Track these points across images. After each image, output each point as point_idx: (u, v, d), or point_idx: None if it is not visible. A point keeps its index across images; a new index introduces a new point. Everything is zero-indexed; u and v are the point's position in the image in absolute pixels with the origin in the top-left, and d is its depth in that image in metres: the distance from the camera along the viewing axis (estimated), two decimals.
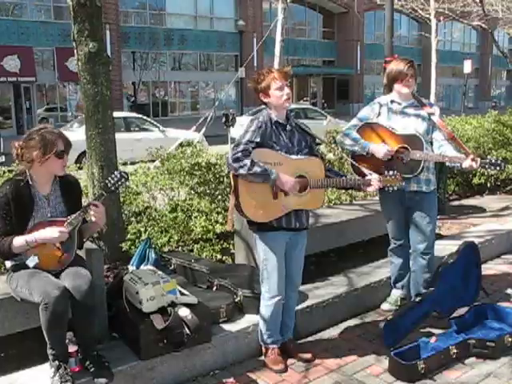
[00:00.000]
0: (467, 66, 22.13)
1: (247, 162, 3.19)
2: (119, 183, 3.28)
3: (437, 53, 12.94)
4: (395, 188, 3.64)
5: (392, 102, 4.13)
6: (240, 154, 3.22)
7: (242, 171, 3.21)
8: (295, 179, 3.35)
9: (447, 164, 4.05)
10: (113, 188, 3.27)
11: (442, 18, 13.39)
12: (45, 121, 25.80)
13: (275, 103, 3.39)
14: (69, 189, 3.30)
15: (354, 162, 3.98)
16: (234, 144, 3.33)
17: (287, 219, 3.42)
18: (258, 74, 3.43)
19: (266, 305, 3.54)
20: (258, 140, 3.29)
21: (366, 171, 3.74)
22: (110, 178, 3.29)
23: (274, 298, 3.50)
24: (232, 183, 3.39)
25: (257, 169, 3.20)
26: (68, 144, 3.16)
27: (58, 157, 3.10)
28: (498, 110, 9.98)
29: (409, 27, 42.43)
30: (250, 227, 3.53)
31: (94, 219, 3.21)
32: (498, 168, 3.84)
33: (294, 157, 3.40)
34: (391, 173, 3.60)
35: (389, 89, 4.15)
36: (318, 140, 3.71)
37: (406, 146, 3.96)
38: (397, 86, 4.04)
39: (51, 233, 3.04)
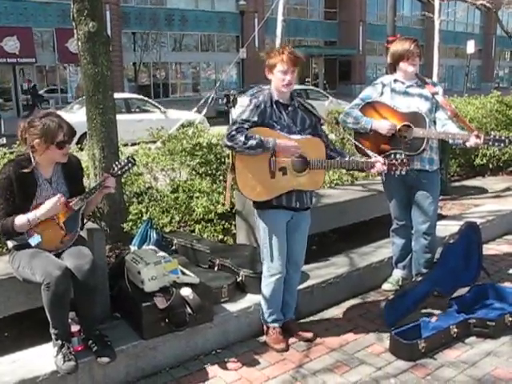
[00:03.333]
0: (470, 47, 21.93)
1: (241, 137, 3.19)
2: (126, 168, 3.30)
3: (440, 33, 12.78)
4: (403, 172, 3.56)
5: (395, 81, 4.09)
6: (234, 131, 3.22)
7: (238, 148, 3.22)
8: (295, 141, 3.33)
9: (450, 142, 4.02)
10: (119, 172, 3.30)
11: None
12: (45, 103, 25.75)
13: (275, 84, 3.38)
14: (71, 170, 3.30)
15: (357, 144, 3.93)
16: (230, 123, 3.33)
17: (288, 198, 3.41)
18: (272, 49, 3.41)
19: (267, 283, 3.56)
20: (255, 119, 3.29)
21: (370, 153, 3.71)
22: (117, 163, 3.32)
23: (274, 276, 3.51)
24: (230, 161, 3.38)
25: (252, 142, 3.20)
26: (70, 133, 3.11)
27: (59, 147, 3.08)
28: (501, 91, 9.91)
29: (412, 7, 42.00)
30: (253, 205, 3.52)
31: (113, 191, 3.28)
32: (502, 144, 3.81)
33: (294, 137, 3.38)
34: (398, 156, 3.56)
35: (393, 68, 4.10)
36: (322, 120, 3.68)
37: (409, 123, 3.93)
38: (402, 65, 3.98)
39: (52, 205, 3.03)
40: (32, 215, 3.03)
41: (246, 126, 3.25)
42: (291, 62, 3.30)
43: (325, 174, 3.62)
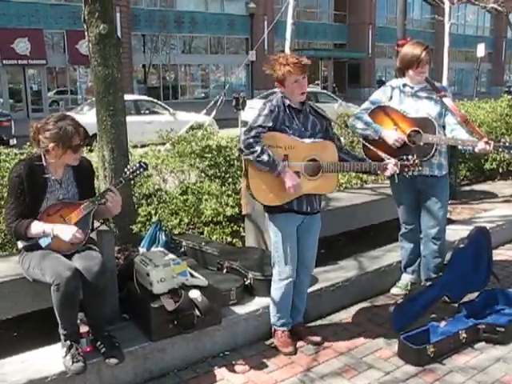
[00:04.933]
0: (480, 50, 21.79)
1: (258, 148, 3.18)
2: (137, 172, 3.31)
3: (450, 36, 12.72)
4: (415, 173, 3.57)
5: (404, 85, 4.07)
6: (252, 139, 3.21)
7: (251, 157, 3.22)
8: (300, 181, 3.30)
9: (460, 148, 4.00)
10: (130, 176, 3.31)
11: (455, 1, 13.17)
12: (55, 104, 25.90)
13: (289, 94, 3.36)
14: (82, 172, 3.31)
15: (369, 146, 3.87)
16: (246, 128, 3.32)
17: (298, 202, 3.41)
18: (274, 62, 3.33)
19: (277, 287, 3.55)
20: (269, 125, 3.28)
21: (382, 155, 3.68)
22: (128, 167, 3.34)
23: (285, 281, 3.50)
24: (243, 166, 3.39)
25: (264, 157, 3.19)
26: (85, 137, 3.15)
27: (74, 151, 3.11)
28: (511, 95, 9.86)
29: (421, 10, 41.84)
30: (264, 209, 3.52)
31: (110, 205, 3.20)
32: None
33: (306, 140, 3.37)
34: (410, 157, 3.54)
35: (402, 72, 4.08)
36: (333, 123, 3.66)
37: (418, 129, 3.92)
38: (411, 72, 3.95)
39: (68, 234, 3.04)
40: (48, 228, 3.04)
41: (261, 133, 3.24)
42: (299, 71, 3.28)
43: (338, 177, 3.58)
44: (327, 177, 3.42)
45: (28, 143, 4.64)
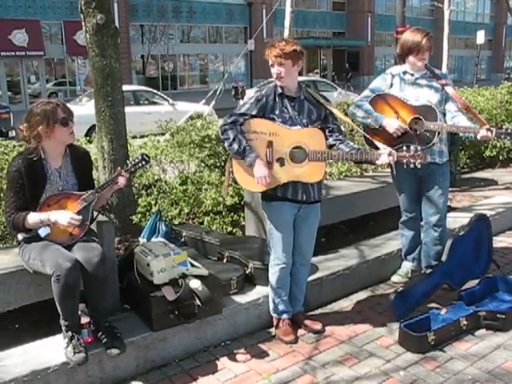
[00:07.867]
0: (480, 37, 21.70)
1: (231, 136, 3.24)
2: (139, 165, 3.30)
3: (449, 23, 12.66)
4: (418, 166, 3.34)
5: (404, 72, 4.05)
6: (228, 126, 3.27)
7: (225, 144, 3.31)
8: (268, 173, 3.25)
9: (461, 135, 3.98)
10: (132, 169, 3.30)
11: None
12: (53, 95, 25.83)
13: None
14: (79, 161, 3.31)
15: (366, 135, 3.87)
16: (228, 114, 3.37)
17: (293, 191, 3.39)
18: (266, 46, 3.40)
19: (273, 272, 3.56)
20: (253, 113, 3.31)
21: (379, 145, 3.64)
22: (130, 159, 3.34)
23: (279, 266, 3.51)
24: None
25: (235, 146, 3.24)
26: (68, 111, 3.14)
27: (63, 124, 3.09)
28: (511, 81, 9.85)
29: None
30: (261, 196, 3.52)
31: (122, 186, 3.24)
32: None
33: (293, 128, 3.33)
34: (412, 147, 3.45)
35: (402, 59, 4.05)
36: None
37: (419, 116, 3.90)
38: (411, 59, 3.93)
39: (64, 218, 3.04)
40: (45, 216, 3.04)
41: (241, 120, 3.28)
42: (273, 57, 3.28)
43: (325, 166, 3.49)
44: (314, 165, 3.35)
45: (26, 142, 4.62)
